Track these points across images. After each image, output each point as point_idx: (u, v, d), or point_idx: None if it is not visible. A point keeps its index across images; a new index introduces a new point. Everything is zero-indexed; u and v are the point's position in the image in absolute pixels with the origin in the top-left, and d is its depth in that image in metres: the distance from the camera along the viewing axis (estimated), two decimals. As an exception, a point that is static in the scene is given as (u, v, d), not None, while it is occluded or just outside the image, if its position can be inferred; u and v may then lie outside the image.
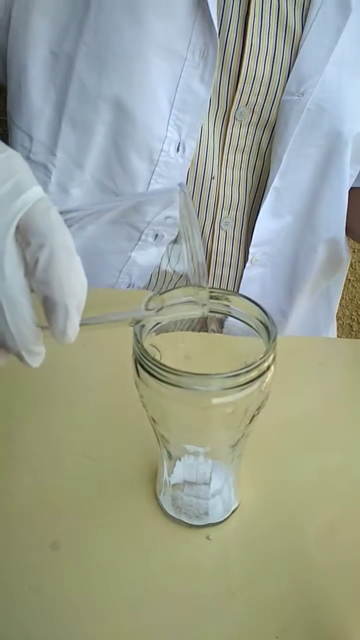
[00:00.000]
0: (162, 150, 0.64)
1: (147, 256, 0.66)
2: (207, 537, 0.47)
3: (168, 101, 0.62)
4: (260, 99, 0.64)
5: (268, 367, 0.40)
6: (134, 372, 0.41)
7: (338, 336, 1.05)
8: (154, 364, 0.39)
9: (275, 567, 0.45)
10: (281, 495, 0.50)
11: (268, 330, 0.42)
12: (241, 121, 0.66)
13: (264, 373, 0.40)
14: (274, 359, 0.41)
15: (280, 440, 0.54)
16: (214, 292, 0.46)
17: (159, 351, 0.47)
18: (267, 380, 0.40)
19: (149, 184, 0.66)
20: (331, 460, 0.53)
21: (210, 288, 0.46)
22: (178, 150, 0.64)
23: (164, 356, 0.47)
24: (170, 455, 0.46)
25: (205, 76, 0.61)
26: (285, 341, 0.65)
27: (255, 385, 0.39)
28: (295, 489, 0.51)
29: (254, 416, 0.42)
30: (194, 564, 0.45)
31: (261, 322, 0.43)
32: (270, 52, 0.62)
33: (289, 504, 0.49)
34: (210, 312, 0.46)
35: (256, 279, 0.74)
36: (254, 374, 0.39)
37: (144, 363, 0.40)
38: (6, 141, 0.55)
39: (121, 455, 0.53)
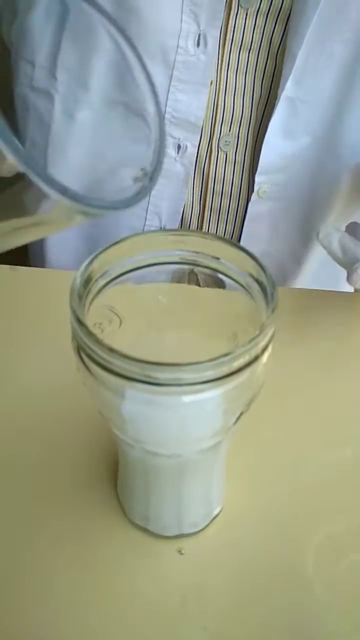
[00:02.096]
0: (178, 47, 0.51)
1: (174, 180, 0.58)
2: (179, 551, 0.37)
3: None
4: None
5: (263, 350, 0.29)
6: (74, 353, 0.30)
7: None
8: (91, 342, 0.27)
9: (263, 595, 0.35)
10: (276, 498, 0.40)
11: (266, 294, 0.30)
12: (247, 9, 0.51)
13: (256, 358, 0.28)
14: (272, 336, 0.29)
15: (279, 425, 0.43)
16: (188, 235, 0.33)
17: (118, 317, 0.35)
18: (260, 366, 0.29)
19: (168, 92, 0.53)
20: (342, 455, 0.42)
21: (196, 232, 0.34)
22: (198, 44, 0.51)
23: (125, 324, 0.35)
24: (129, 459, 0.35)
25: None
26: (296, 295, 0.54)
27: (244, 376, 0.28)
28: (295, 491, 0.40)
29: (241, 413, 0.31)
30: (158, 587, 0.36)
31: (257, 281, 0.31)
32: None
33: (284, 511, 0.39)
34: (189, 264, 0.35)
35: (264, 216, 0.61)
36: (242, 360, 0.28)
37: (79, 339, 0.28)
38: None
39: (76, 439, 0.42)
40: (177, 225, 0.62)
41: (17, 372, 0.47)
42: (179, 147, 0.57)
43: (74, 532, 0.38)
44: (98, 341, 0.28)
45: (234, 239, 0.64)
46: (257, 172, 0.57)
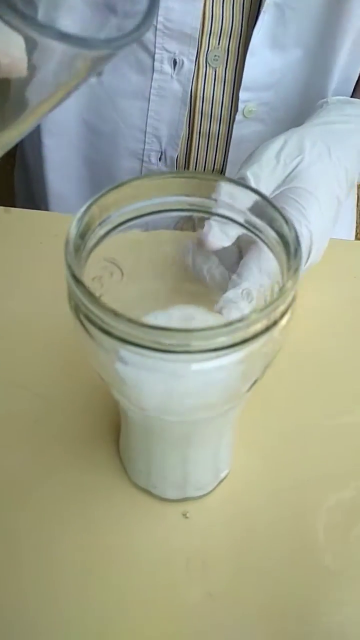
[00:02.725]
0: None
1: (171, 100, 0.53)
2: (184, 515, 0.35)
3: None
4: None
5: (283, 314, 0.25)
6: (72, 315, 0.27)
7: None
8: (90, 303, 0.24)
9: (270, 562, 0.34)
10: (285, 462, 0.37)
11: (288, 251, 0.27)
12: None
13: (275, 323, 0.25)
14: (293, 299, 0.26)
15: (291, 389, 0.41)
16: (199, 178, 0.29)
17: (119, 269, 0.31)
18: (278, 331, 0.26)
19: None
20: (354, 421, 0.40)
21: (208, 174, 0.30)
22: None
23: (127, 276, 0.31)
24: (131, 420, 0.32)
25: None
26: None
27: (259, 342, 0.25)
28: (305, 456, 0.38)
29: (255, 381, 0.28)
30: (162, 552, 0.34)
31: (278, 234, 0.27)
32: None
33: (294, 475, 0.37)
34: (201, 212, 0.31)
35: (250, 140, 0.56)
36: (258, 326, 0.24)
37: (77, 299, 0.25)
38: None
39: (75, 395, 0.39)
40: (177, 150, 0.57)
41: (14, 323, 0.43)
42: (174, 62, 0.51)
43: (73, 492, 0.35)
44: (98, 302, 0.24)
45: (219, 166, 0.59)
46: (242, 88, 0.52)
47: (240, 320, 0.24)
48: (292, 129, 0.43)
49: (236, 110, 0.54)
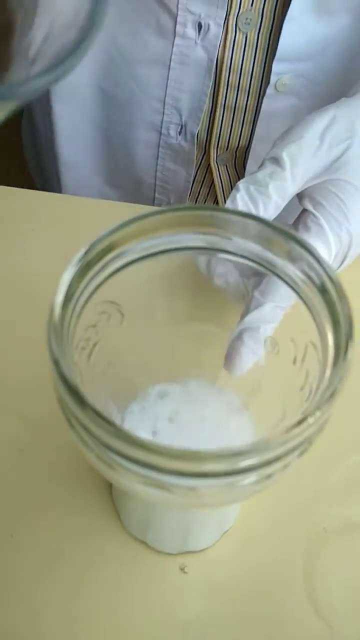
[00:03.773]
0: None
1: (194, 68, 0.47)
2: (182, 569, 0.32)
3: None
4: None
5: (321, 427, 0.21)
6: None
7: None
8: (81, 411, 0.19)
9: (272, 616, 0.31)
10: (292, 513, 0.34)
11: (330, 307, 0.22)
12: None
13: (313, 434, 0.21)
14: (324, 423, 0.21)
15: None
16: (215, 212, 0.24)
17: (119, 312, 0.27)
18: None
19: None
20: None
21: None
22: None
23: (127, 319, 0.27)
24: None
25: None
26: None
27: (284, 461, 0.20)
28: (313, 505, 0.34)
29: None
30: (157, 615, 0.31)
31: (319, 289, 0.23)
32: None
33: (301, 528, 0.33)
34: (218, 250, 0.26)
35: (282, 115, 0.49)
36: (291, 444, 0.20)
37: (63, 397, 0.20)
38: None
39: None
40: (199, 123, 0.50)
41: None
42: (199, 25, 0.45)
43: (61, 535, 0.32)
44: (95, 414, 0.19)
45: (245, 142, 0.52)
46: (276, 58, 0.45)
47: (260, 442, 0.19)
48: (342, 102, 0.35)
49: (268, 82, 0.47)
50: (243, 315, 0.29)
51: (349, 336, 0.21)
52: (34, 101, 0.56)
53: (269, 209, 0.31)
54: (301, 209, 0.34)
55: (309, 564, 0.32)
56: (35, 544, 0.32)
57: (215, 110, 0.51)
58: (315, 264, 0.22)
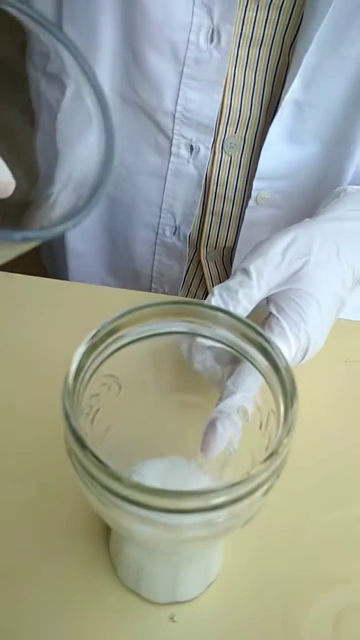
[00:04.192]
0: (189, 42, 0.47)
1: (186, 182, 0.55)
2: (171, 619, 0.36)
3: None
4: None
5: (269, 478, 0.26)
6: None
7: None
8: (84, 455, 0.25)
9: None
10: (275, 563, 0.38)
11: (286, 394, 0.27)
12: (258, 1, 0.46)
13: (270, 477, 0.26)
14: (284, 460, 0.27)
15: (281, 487, 0.41)
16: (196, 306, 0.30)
17: (117, 384, 0.32)
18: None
19: (179, 90, 0.49)
20: (345, 517, 0.40)
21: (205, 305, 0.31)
22: (212, 40, 0.47)
23: (124, 390, 0.32)
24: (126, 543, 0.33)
25: None
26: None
27: (256, 495, 0.26)
28: (295, 556, 0.38)
29: (245, 523, 0.29)
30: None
31: (277, 374, 0.28)
32: None
33: (284, 577, 0.37)
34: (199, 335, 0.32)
35: (263, 223, 0.57)
36: (254, 484, 0.25)
37: (72, 446, 0.25)
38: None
39: (67, 482, 0.40)
40: (191, 227, 0.58)
41: (7, 399, 0.44)
42: (191, 148, 0.53)
43: (59, 586, 0.36)
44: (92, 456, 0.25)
45: (230, 244, 0.60)
46: (256, 177, 0.53)
47: (230, 484, 0.24)
48: (304, 223, 0.43)
49: (249, 195, 0.55)
50: (218, 402, 0.35)
51: (293, 398, 0.26)
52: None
53: (238, 311, 0.38)
54: None
55: (289, 616, 0.36)
56: (39, 594, 0.36)
57: (204, 216, 0.58)
58: (274, 353, 0.28)
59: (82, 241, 0.63)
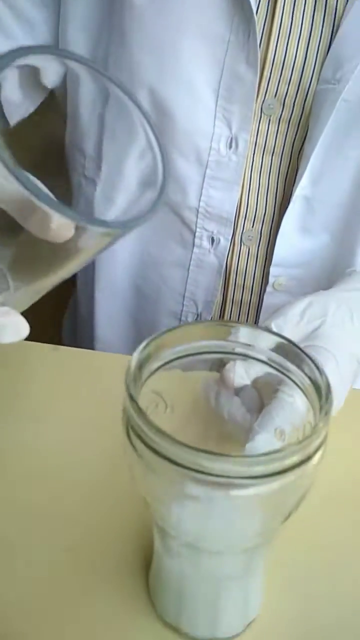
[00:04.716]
0: (211, 148, 0.55)
1: (208, 270, 0.61)
2: (212, 657, 0.35)
3: (212, 90, 0.53)
4: (292, 89, 0.53)
5: (316, 450, 0.28)
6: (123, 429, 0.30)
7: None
8: (141, 422, 0.27)
9: None
10: (316, 605, 0.38)
11: (320, 395, 0.30)
12: (270, 116, 0.55)
13: (308, 458, 0.28)
14: (325, 438, 0.29)
15: (323, 529, 0.42)
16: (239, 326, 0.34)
17: (164, 402, 0.35)
18: (311, 467, 0.28)
19: (202, 188, 0.57)
20: None
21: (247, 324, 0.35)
22: (230, 146, 0.55)
23: (171, 410, 0.35)
24: (169, 550, 0.34)
25: (250, 58, 0.51)
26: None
27: (293, 475, 0.27)
28: (336, 598, 0.38)
29: (289, 514, 0.30)
30: None
31: (310, 380, 0.31)
32: (305, 33, 0.51)
33: (325, 619, 0.37)
34: (240, 355, 0.35)
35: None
36: (294, 459, 0.27)
37: (130, 419, 0.28)
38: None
39: (109, 525, 0.41)
40: (212, 313, 0.63)
41: (47, 450, 0.46)
42: (212, 240, 0.59)
43: (99, 627, 0.36)
44: (149, 422, 0.27)
45: None
46: (272, 264, 0.59)
47: (276, 451, 0.27)
48: (320, 292, 0.47)
49: (267, 282, 0.61)
50: (243, 444, 0.37)
51: (329, 389, 0.29)
52: (81, 292, 0.70)
53: (256, 367, 0.40)
54: None
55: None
56: (76, 632, 0.35)
57: (225, 303, 0.64)
58: (315, 371, 0.31)
59: (111, 330, 0.68)
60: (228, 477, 0.27)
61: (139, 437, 0.28)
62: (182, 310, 0.64)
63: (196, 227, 0.59)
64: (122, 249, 0.63)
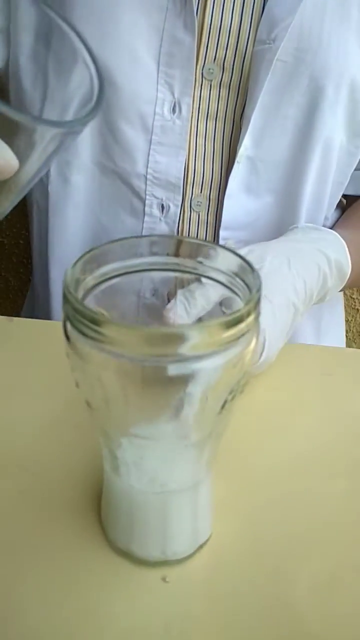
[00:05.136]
0: (155, 113, 0.56)
1: None
2: (164, 579, 0.34)
3: (153, 57, 0.55)
4: (230, 53, 0.55)
5: (247, 330, 0.28)
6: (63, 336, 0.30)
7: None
8: (78, 311, 0.28)
9: (251, 626, 0.33)
10: (267, 528, 0.38)
11: (247, 283, 0.31)
12: (211, 81, 0.56)
13: (242, 335, 0.28)
14: (255, 319, 0.29)
15: (272, 460, 0.42)
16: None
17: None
18: (245, 349, 0.29)
19: (149, 155, 0.58)
20: (334, 487, 0.41)
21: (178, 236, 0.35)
22: (174, 111, 0.57)
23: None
24: (114, 457, 0.33)
25: (188, 22, 0.53)
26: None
27: (231, 353, 0.28)
28: (287, 521, 0.38)
29: (225, 402, 0.30)
30: (141, 616, 0.33)
31: (239, 277, 0.32)
32: None
33: (277, 540, 0.37)
34: (174, 271, 0.35)
35: None
36: (232, 332, 0.27)
37: (70, 313, 0.29)
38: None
39: (60, 469, 0.40)
40: (168, 287, 0.63)
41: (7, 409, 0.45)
42: (162, 207, 0.60)
43: (53, 556, 0.35)
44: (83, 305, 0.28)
45: None
46: (221, 227, 0.60)
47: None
48: (260, 242, 0.49)
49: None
50: None
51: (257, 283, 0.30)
52: (36, 271, 0.70)
53: (196, 309, 0.42)
54: None
55: (283, 576, 0.35)
56: (33, 560, 0.35)
57: None
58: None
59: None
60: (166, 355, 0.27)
61: (75, 326, 0.28)
62: (140, 288, 0.64)
63: (145, 194, 0.60)
64: (74, 222, 0.63)
